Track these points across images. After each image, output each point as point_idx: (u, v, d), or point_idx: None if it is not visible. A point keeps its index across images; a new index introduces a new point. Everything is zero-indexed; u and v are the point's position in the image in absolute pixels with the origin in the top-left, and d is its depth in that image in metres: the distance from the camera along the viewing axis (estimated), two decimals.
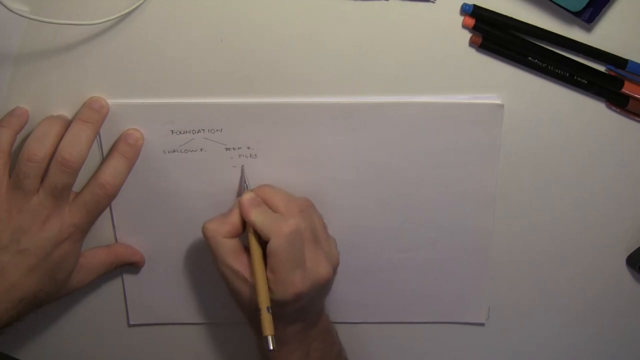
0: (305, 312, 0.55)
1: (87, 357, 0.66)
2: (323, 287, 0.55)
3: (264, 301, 0.51)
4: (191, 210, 0.59)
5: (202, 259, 0.61)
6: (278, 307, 0.52)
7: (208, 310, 0.64)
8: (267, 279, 0.52)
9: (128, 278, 0.62)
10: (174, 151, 0.57)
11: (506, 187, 0.59)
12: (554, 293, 0.64)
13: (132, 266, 0.61)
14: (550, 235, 0.61)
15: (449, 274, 0.62)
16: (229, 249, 0.54)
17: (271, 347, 0.49)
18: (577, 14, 0.53)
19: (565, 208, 0.60)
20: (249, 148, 0.57)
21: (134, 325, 0.64)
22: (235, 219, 0.54)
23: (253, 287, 0.52)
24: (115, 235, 0.60)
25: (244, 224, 0.54)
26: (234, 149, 0.57)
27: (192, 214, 0.59)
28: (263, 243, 0.53)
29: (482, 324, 0.65)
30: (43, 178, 0.53)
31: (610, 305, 0.64)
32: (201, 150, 0.57)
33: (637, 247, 0.62)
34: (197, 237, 0.60)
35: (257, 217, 0.53)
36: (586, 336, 0.66)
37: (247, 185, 0.57)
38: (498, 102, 0.56)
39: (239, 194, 0.58)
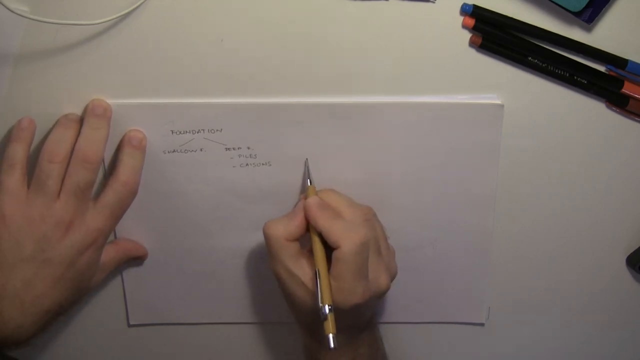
0: (358, 319, 0.55)
1: (87, 357, 0.66)
2: (380, 299, 0.55)
3: (327, 300, 0.50)
4: (191, 210, 0.59)
5: (202, 259, 0.61)
6: (334, 314, 0.51)
7: (208, 310, 0.64)
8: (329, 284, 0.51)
9: (128, 278, 0.62)
10: (174, 151, 0.57)
11: (506, 187, 0.59)
12: (554, 293, 0.64)
13: (136, 260, 0.61)
14: (550, 235, 0.61)
15: (449, 274, 0.62)
16: (290, 253, 0.52)
17: (332, 345, 0.49)
18: (577, 14, 0.53)
19: (565, 208, 0.60)
20: (249, 148, 0.57)
21: (134, 325, 0.64)
22: (299, 221, 0.53)
23: (309, 291, 0.52)
24: (115, 236, 0.60)
25: (307, 226, 0.53)
26: (234, 149, 0.57)
27: (192, 214, 0.59)
28: (326, 248, 0.52)
29: (482, 324, 0.65)
30: (63, 181, 0.52)
31: (610, 305, 0.64)
32: (201, 150, 0.57)
33: (637, 247, 0.62)
34: (197, 237, 0.60)
35: (326, 223, 0.52)
36: (586, 336, 0.66)
37: (310, 181, 0.56)
38: (498, 102, 0.56)
39: (303, 189, 0.57)
